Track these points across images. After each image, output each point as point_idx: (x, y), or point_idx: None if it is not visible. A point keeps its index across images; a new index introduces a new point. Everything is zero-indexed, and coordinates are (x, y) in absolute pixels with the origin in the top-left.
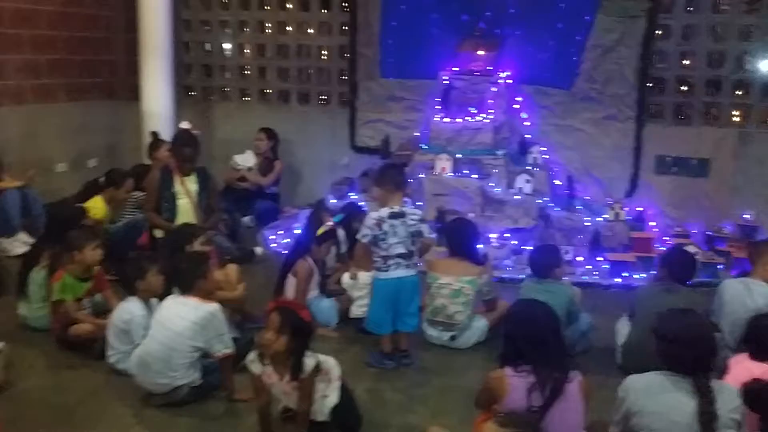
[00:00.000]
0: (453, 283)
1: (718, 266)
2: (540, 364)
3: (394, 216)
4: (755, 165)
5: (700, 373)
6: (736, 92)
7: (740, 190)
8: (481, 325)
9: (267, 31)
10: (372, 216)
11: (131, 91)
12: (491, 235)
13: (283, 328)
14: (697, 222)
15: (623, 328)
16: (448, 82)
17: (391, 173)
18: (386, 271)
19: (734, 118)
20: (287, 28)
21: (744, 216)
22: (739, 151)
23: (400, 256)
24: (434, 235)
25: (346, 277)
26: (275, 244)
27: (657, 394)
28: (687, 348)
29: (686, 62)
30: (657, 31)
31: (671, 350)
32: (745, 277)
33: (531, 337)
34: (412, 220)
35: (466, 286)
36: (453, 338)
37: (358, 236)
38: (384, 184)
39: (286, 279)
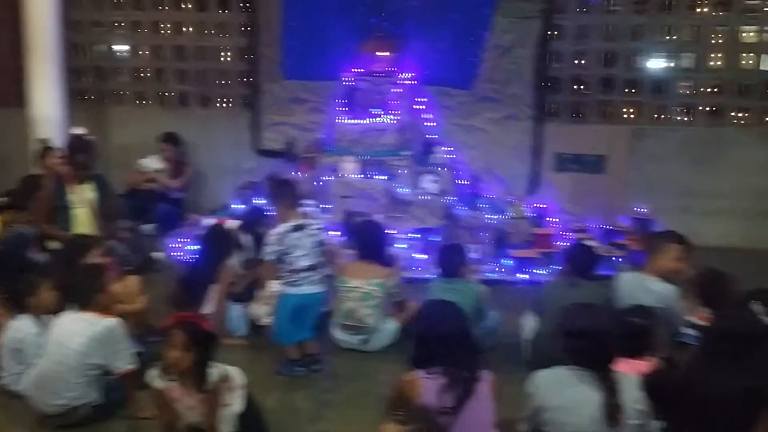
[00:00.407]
0: (362, 286)
1: (617, 259)
2: (451, 364)
3: (295, 229)
4: (648, 160)
5: (603, 366)
6: (629, 90)
7: (635, 185)
8: (391, 327)
9: (163, 32)
10: (273, 233)
11: (17, 97)
12: (399, 236)
13: (189, 344)
14: (595, 217)
15: (528, 324)
16: (351, 83)
17: (284, 189)
18: (295, 285)
19: (628, 116)
20: (184, 29)
21: (639, 210)
22: (633, 147)
23: (308, 269)
24: (339, 240)
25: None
26: (177, 252)
27: (564, 389)
28: (590, 342)
29: (581, 62)
30: (552, 32)
31: (575, 345)
32: (638, 271)
33: (441, 338)
34: (314, 229)
35: (375, 288)
36: (364, 342)
37: (263, 256)
38: (279, 201)
39: (204, 289)
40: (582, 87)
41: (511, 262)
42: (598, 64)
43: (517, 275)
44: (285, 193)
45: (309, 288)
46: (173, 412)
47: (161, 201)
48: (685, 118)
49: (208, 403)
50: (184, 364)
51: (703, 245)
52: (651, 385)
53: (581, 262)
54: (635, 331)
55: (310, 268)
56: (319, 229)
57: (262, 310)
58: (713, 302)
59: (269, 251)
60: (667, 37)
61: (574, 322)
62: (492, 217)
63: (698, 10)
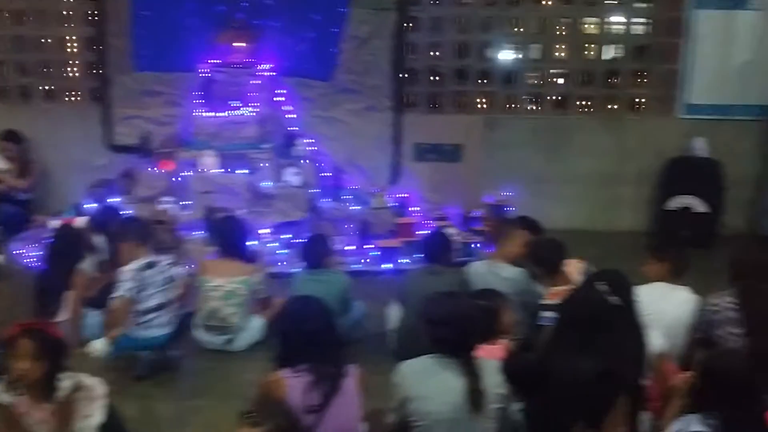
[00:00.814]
0: (225, 285)
1: (475, 245)
2: (317, 361)
3: (146, 267)
4: (501, 148)
5: (465, 352)
6: (482, 81)
7: (489, 173)
8: (257, 324)
9: (1, 21)
10: (126, 270)
11: None
12: (263, 231)
13: (38, 354)
14: (454, 204)
15: (393, 314)
16: (208, 74)
17: (133, 228)
18: (143, 327)
19: (481, 106)
20: (24, 18)
21: (495, 197)
22: (487, 135)
23: (157, 308)
24: (187, 275)
25: None
26: (24, 257)
27: (428, 378)
28: (451, 329)
29: (436, 53)
30: (408, 24)
31: (437, 333)
32: (489, 257)
33: (305, 335)
34: (165, 266)
35: (239, 286)
36: (229, 341)
37: (117, 294)
38: (127, 239)
39: (57, 296)
40: (438, 78)
41: (376, 252)
42: (452, 56)
43: (382, 265)
44: (133, 231)
45: (156, 331)
46: (22, 427)
47: (5, 202)
48: (535, 107)
49: (61, 416)
50: (34, 375)
51: (554, 228)
52: (508, 368)
53: (438, 250)
54: (484, 314)
55: (160, 307)
56: (169, 264)
57: None
58: (550, 266)
59: (124, 288)
60: (516, 29)
61: (435, 310)
62: (355, 208)
63: (543, 2)
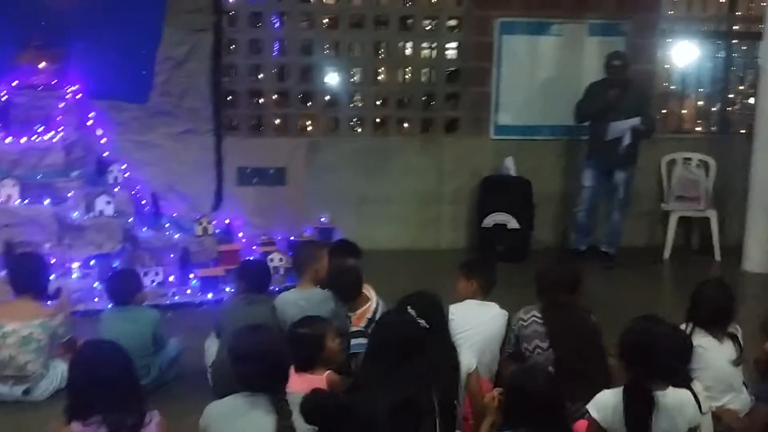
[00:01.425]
0: (21, 329)
1: None
2: (111, 411)
3: None
4: (325, 171)
5: (276, 387)
6: (304, 103)
7: (315, 195)
8: (59, 370)
9: None
10: None
11: None
12: (73, 265)
13: None
14: (280, 229)
15: (211, 347)
16: (6, 97)
17: None
18: None
19: (304, 128)
20: None
21: (321, 219)
22: (310, 159)
23: None
24: None
25: None
26: None
27: (235, 419)
28: (258, 365)
29: (257, 75)
30: (225, 45)
31: (244, 369)
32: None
33: (99, 383)
34: None
35: (36, 330)
36: (27, 392)
37: None
38: None
39: None
40: (259, 100)
41: (197, 282)
42: (273, 78)
43: (204, 295)
44: None
45: None
46: None
47: None
48: (357, 129)
49: None
50: None
51: (379, 249)
52: (304, 407)
53: (254, 277)
54: (303, 343)
55: None
56: None
57: None
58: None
59: None
60: (336, 52)
61: (240, 344)
62: (176, 236)
63: (360, 27)
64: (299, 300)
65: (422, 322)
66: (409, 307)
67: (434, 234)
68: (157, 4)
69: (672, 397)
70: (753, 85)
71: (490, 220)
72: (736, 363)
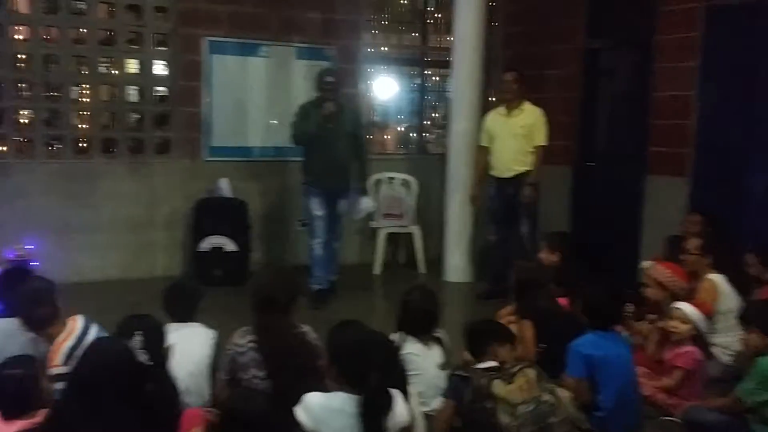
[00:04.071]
0: None
1: None
2: None
3: None
4: (18, 197)
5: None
6: None
7: (7, 223)
8: None
9: None
10: None
11: None
12: None
13: None
14: None
15: None
16: None
17: None
18: None
19: None
20: None
21: (13, 251)
22: (1, 183)
23: None
24: None
25: None
26: None
27: None
28: None
29: None
30: None
31: None
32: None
33: None
34: None
35: None
36: None
37: None
38: None
39: None
40: None
41: None
42: None
43: None
44: None
45: None
46: None
47: None
48: (54, 149)
49: None
50: None
51: (85, 281)
52: None
53: None
54: (12, 386)
55: None
56: None
57: None
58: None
59: None
60: (24, 65)
61: None
62: None
63: (54, 41)
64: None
65: (144, 352)
66: (136, 333)
67: (148, 261)
68: None
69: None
70: (446, 113)
71: (206, 244)
72: (442, 367)
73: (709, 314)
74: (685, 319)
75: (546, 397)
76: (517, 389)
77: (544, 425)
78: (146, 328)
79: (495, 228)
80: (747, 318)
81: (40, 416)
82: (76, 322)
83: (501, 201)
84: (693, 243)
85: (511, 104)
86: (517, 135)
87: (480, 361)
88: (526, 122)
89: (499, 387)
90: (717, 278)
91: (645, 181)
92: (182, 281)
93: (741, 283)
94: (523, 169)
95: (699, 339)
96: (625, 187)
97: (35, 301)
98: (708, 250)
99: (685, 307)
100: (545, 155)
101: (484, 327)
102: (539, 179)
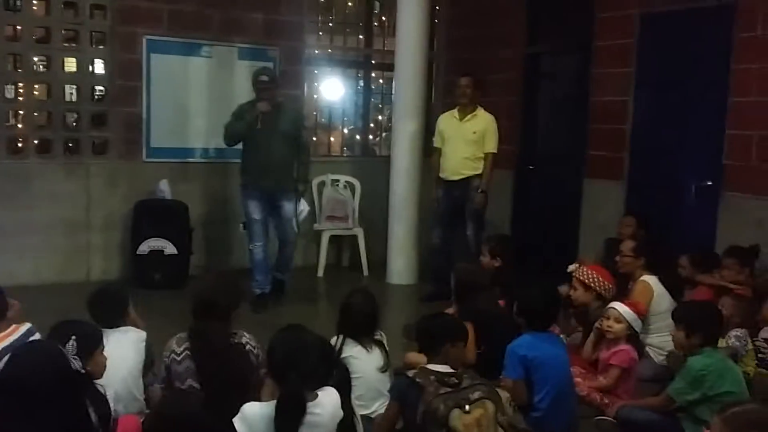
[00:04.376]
0: None
1: None
2: None
3: None
4: None
5: None
6: None
7: None
8: None
9: None
10: None
11: None
12: None
13: None
14: None
15: None
16: None
17: None
18: None
19: None
20: None
21: None
22: None
23: None
24: None
25: None
26: None
27: None
28: None
29: None
30: None
31: None
32: None
33: None
34: None
35: None
36: None
37: None
38: None
39: None
40: None
41: None
42: None
43: None
44: None
45: None
46: None
47: None
48: None
49: None
50: None
51: (18, 284)
52: None
53: None
54: None
55: None
56: None
57: None
58: None
59: None
60: None
61: None
62: None
63: None
64: None
65: (77, 360)
66: (71, 337)
67: (83, 264)
68: None
69: (322, 402)
70: (390, 115)
71: (145, 247)
72: (382, 369)
73: (643, 314)
74: (619, 319)
75: None
76: (474, 423)
77: None
78: (80, 334)
79: (440, 230)
80: (675, 317)
81: None
82: (20, 328)
83: (448, 204)
84: (627, 245)
85: (465, 109)
86: (469, 140)
87: (431, 362)
88: (478, 128)
89: (456, 419)
90: (651, 279)
91: (583, 185)
92: (107, 286)
93: (674, 284)
94: (471, 173)
95: (633, 339)
96: (564, 190)
97: None
98: (641, 251)
99: (620, 306)
100: (494, 162)
101: (439, 323)
102: (489, 186)
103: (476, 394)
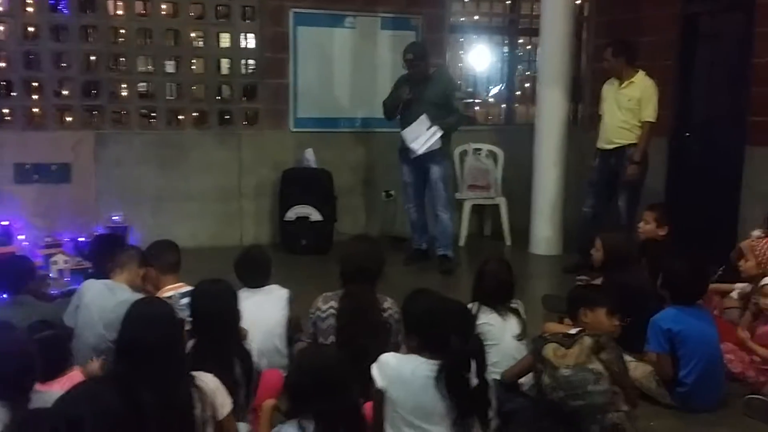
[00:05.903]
0: None
1: (89, 271)
2: None
3: None
4: (114, 166)
5: (18, 394)
6: (88, 94)
7: (105, 193)
8: None
9: None
10: None
11: None
12: None
13: None
14: (66, 229)
15: None
16: None
17: None
18: None
19: (90, 121)
20: None
21: (113, 218)
22: (98, 153)
23: None
24: None
25: None
26: None
27: None
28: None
29: (31, 64)
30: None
31: None
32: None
33: None
34: None
35: None
36: None
37: None
38: None
39: None
40: (36, 91)
41: None
42: (51, 67)
43: None
44: None
45: None
46: None
47: None
48: (148, 122)
49: None
50: None
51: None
52: None
53: (12, 277)
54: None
55: None
56: None
57: None
58: None
59: None
60: (121, 40)
61: None
62: None
63: (146, 13)
64: (106, 289)
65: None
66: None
67: (236, 230)
68: None
69: None
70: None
71: (292, 213)
72: (519, 338)
73: None
74: None
75: (593, 365)
76: (563, 355)
77: (582, 392)
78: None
79: (592, 200)
80: None
81: (74, 375)
82: (185, 286)
83: (602, 173)
84: None
85: (622, 75)
86: (624, 107)
87: (575, 326)
88: (634, 95)
89: (548, 350)
90: None
91: (744, 152)
92: (252, 250)
93: None
94: (626, 142)
95: None
96: (723, 159)
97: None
98: None
99: None
100: (651, 131)
101: (578, 293)
102: (644, 157)
103: (579, 336)
